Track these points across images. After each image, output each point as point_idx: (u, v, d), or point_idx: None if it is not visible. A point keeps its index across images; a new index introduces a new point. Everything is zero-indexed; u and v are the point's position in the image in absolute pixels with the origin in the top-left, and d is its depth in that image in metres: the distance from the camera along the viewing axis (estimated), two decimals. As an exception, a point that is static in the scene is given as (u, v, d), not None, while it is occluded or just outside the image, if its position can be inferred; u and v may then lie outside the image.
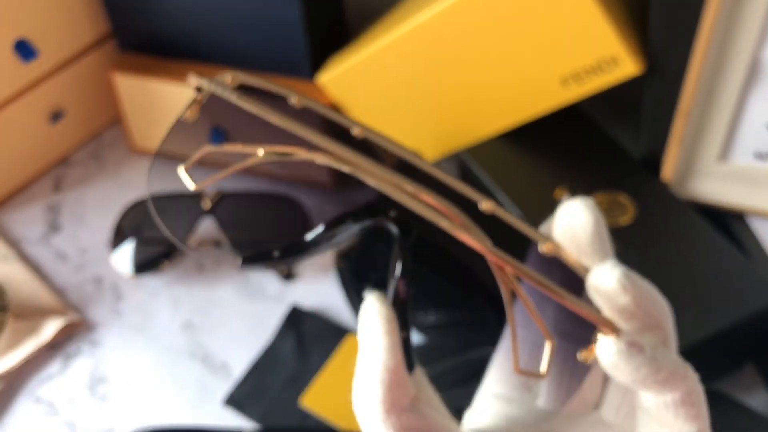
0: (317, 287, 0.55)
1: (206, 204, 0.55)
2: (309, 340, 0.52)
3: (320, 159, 0.24)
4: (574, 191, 0.50)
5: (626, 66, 0.47)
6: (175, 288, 0.56)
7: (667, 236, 0.48)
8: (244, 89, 0.26)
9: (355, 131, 0.25)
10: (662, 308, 0.24)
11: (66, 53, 0.63)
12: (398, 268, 0.25)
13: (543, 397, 0.28)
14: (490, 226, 0.24)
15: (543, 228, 0.26)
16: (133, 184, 0.65)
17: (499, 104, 0.52)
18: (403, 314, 0.25)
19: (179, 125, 0.27)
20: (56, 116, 0.65)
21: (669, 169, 0.51)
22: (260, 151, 0.24)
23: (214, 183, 0.26)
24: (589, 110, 0.57)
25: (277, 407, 0.49)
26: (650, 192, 0.51)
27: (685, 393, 0.23)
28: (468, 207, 0.24)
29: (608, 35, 0.45)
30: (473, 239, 0.23)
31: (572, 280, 0.25)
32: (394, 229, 0.26)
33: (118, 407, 0.50)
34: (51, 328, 0.53)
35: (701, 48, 0.45)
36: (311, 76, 0.59)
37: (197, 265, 0.58)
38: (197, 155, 0.26)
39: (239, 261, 0.55)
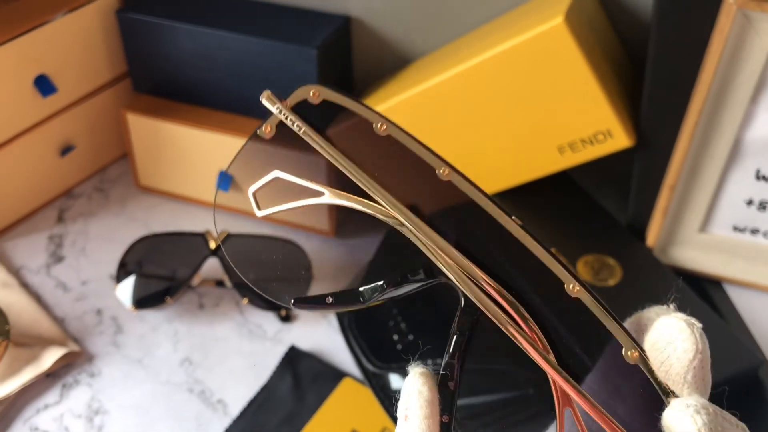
0: (315, 329, 0.57)
1: (212, 244, 0.57)
2: (306, 380, 0.53)
3: (395, 222, 0.23)
4: (566, 252, 0.53)
5: (620, 139, 0.50)
6: (175, 324, 0.57)
7: (651, 298, 0.51)
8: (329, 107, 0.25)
9: (443, 171, 0.24)
10: None
11: (82, 91, 0.65)
12: (455, 344, 0.23)
13: None
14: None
15: (628, 323, 0.24)
16: (136, 220, 0.66)
17: (499, 167, 0.55)
18: (449, 398, 0.23)
19: (252, 145, 0.26)
20: (66, 150, 0.66)
21: (653, 237, 0.55)
22: (327, 194, 0.24)
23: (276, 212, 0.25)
24: (577, 177, 0.61)
25: (273, 445, 0.50)
26: (636, 256, 0.54)
27: None
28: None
29: (605, 110, 0.49)
30: (541, 358, 0.21)
31: (650, 395, 0.22)
32: (461, 296, 0.23)
33: (114, 439, 0.51)
34: (50, 357, 0.53)
35: (689, 127, 0.49)
36: (321, 129, 0.62)
37: (198, 303, 0.59)
38: (267, 179, 0.25)
39: (244, 301, 0.57)
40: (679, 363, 0.22)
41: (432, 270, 0.24)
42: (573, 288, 0.23)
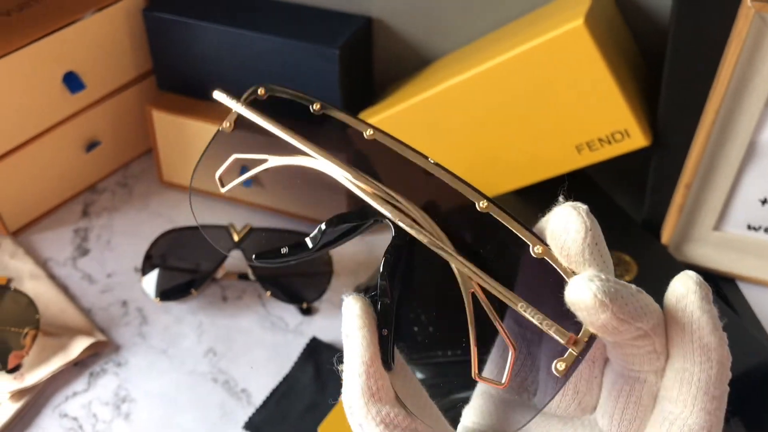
0: (335, 322, 0.58)
1: (235, 237, 0.59)
2: (327, 370, 0.55)
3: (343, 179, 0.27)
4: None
5: (637, 139, 0.52)
6: (199, 315, 0.59)
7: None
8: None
9: (368, 132, 0.28)
10: (652, 317, 0.23)
11: (108, 88, 0.67)
12: (384, 265, 0.26)
13: (538, 397, 0.27)
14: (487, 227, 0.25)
15: (535, 228, 0.25)
16: (160, 215, 0.68)
17: (519, 164, 0.57)
18: (386, 312, 0.25)
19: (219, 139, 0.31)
20: (92, 145, 0.68)
21: (668, 234, 0.56)
22: (270, 159, 0.29)
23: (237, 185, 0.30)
24: (594, 175, 0.62)
25: (296, 434, 0.51)
26: (651, 253, 0.55)
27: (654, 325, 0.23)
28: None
29: (623, 110, 0.51)
30: (447, 254, 0.24)
31: (559, 283, 0.24)
32: (390, 227, 0.27)
33: (140, 426, 0.52)
34: (78, 346, 0.55)
35: (705, 127, 0.50)
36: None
37: (221, 295, 0.60)
38: (228, 162, 0.30)
39: (267, 293, 0.58)
40: (575, 244, 0.23)
41: (365, 211, 0.27)
42: (482, 204, 0.25)
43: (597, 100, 0.51)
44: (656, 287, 0.54)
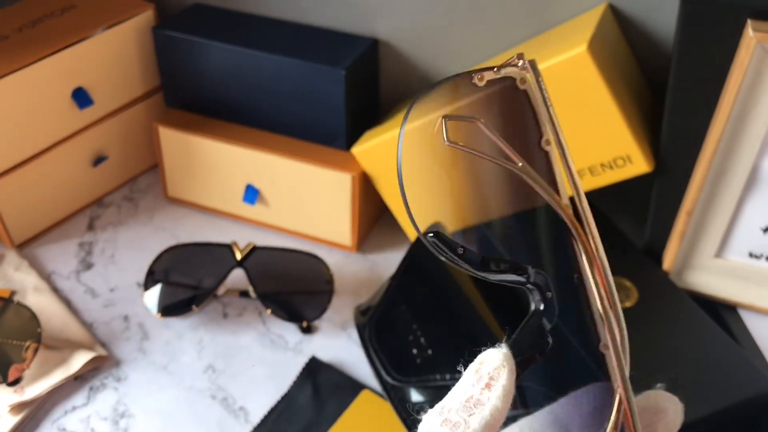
0: (335, 342, 0.58)
1: (238, 255, 0.59)
2: (326, 391, 0.55)
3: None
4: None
5: (639, 165, 0.52)
6: (200, 332, 0.59)
7: (666, 321, 0.52)
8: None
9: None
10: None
11: (116, 104, 0.68)
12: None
13: None
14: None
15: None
16: (164, 230, 0.68)
17: (520, 187, 0.57)
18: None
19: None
20: (99, 160, 0.69)
21: (669, 260, 0.56)
22: (519, 164, 0.25)
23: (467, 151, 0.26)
24: (596, 199, 0.62)
25: (293, 453, 0.51)
26: (652, 279, 0.55)
27: None
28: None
29: (626, 136, 0.51)
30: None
31: None
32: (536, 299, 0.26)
33: (138, 441, 0.52)
34: (79, 360, 0.55)
35: (707, 155, 0.50)
36: (347, 148, 0.63)
37: (222, 312, 0.61)
38: (467, 118, 0.25)
39: (267, 311, 0.58)
40: None
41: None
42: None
43: (600, 125, 0.51)
44: (657, 314, 0.54)
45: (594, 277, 0.26)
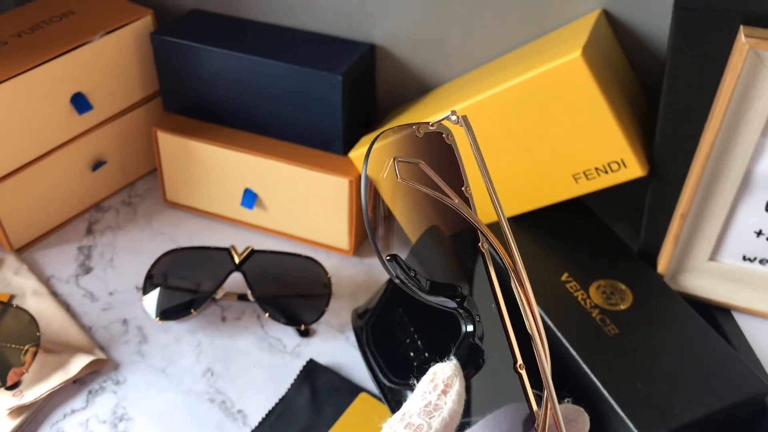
0: (332, 345, 0.59)
1: (236, 259, 0.59)
2: (323, 394, 0.55)
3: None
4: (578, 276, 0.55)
5: (633, 169, 0.52)
6: (198, 335, 0.59)
7: (661, 323, 0.52)
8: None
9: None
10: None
11: (115, 109, 0.68)
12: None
13: None
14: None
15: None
16: (162, 234, 0.69)
17: (516, 192, 0.57)
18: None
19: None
20: (97, 165, 0.69)
21: (664, 264, 0.56)
22: (455, 201, 0.29)
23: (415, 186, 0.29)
24: (591, 203, 0.63)
25: (290, 456, 0.52)
26: (647, 282, 0.55)
27: None
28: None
29: (620, 141, 0.51)
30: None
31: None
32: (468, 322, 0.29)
33: (137, 445, 0.52)
34: (78, 363, 0.55)
35: (701, 159, 0.50)
36: (344, 152, 0.64)
37: (220, 316, 0.61)
38: (412, 162, 0.29)
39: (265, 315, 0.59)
40: None
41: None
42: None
43: (594, 130, 0.52)
44: (651, 317, 0.54)
45: (521, 301, 0.29)
